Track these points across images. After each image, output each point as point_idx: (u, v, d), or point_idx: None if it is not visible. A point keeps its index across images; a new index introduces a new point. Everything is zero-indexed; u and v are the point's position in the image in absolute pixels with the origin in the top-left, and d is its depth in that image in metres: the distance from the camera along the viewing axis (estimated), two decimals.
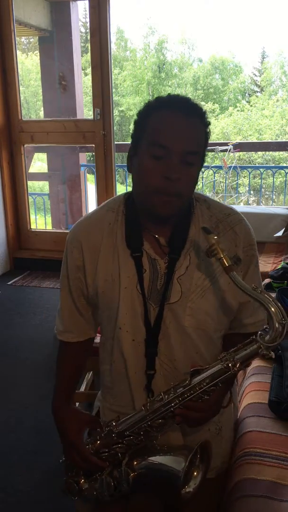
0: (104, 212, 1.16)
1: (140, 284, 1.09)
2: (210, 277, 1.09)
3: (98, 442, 1.11)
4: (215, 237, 0.98)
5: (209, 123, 1.08)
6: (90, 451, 1.12)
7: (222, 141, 13.30)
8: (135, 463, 1.07)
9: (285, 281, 2.66)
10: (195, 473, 1.06)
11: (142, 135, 1.05)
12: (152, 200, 1.04)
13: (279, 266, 2.94)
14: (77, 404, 2.01)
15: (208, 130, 1.07)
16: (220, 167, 6.96)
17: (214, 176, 7.72)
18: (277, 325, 0.95)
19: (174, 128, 1.01)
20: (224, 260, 0.96)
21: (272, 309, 0.95)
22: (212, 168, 7.30)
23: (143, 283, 1.09)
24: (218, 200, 1.21)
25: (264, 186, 10.89)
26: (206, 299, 1.09)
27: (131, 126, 1.14)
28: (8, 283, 4.44)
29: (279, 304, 0.96)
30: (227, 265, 0.97)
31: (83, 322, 1.23)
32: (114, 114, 4.56)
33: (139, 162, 1.05)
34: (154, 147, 1.01)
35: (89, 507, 1.24)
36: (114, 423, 1.09)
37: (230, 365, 0.98)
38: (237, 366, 0.97)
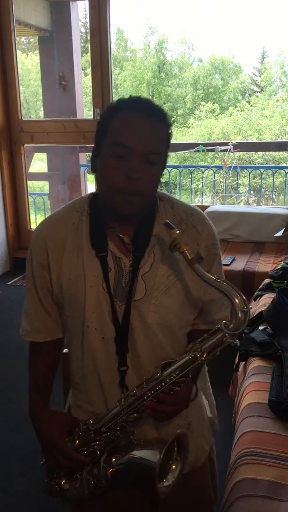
0: (68, 211, 1.19)
1: (106, 283, 1.11)
2: (174, 274, 1.11)
3: (77, 441, 1.13)
4: (177, 232, 1.01)
5: (170, 125, 1.10)
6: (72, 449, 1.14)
7: (222, 141, 13.34)
8: (114, 459, 1.08)
9: (285, 281, 2.67)
10: (173, 467, 1.07)
11: (105, 136, 1.07)
12: (115, 199, 1.06)
13: (279, 266, 2.94)
14: None
15: (170, 131, 1.10)
16: (220, 167, 6.96)
17: (214, 176, 7.72)
18: (240, 314, 0.99)
19: (137, 128, 1.04)
20: (187, 253, 1.00)
21: (235, 299, 0.99)
22: (212, 168, 7.30)
23: (109, 282, 1.11)
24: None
25: (264, 186, 10.90)
26: (170, 296, 1.11)
27: None
28: (8, 283, 4.44)
29: (241, 293, 1.00)
30: (189, 257, 1.00)
31: (50, 322, 1.24)
32: None
33: (102, 162, 1.07)
34: (117, 147, 1.04)
35: (70, 506, 1.26)
36: (91, 421, 1.12)
37: (198, 355, 1.02)
38: (204, 355, 1.01)
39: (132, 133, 1.03)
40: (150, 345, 1.12)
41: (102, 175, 1.08)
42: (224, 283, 1.00)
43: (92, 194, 1.20)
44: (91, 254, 1.12)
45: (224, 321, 1.01)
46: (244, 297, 1.00)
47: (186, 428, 1.20)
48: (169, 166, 9.13)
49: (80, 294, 1.12)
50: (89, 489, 1.10)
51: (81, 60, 6.13)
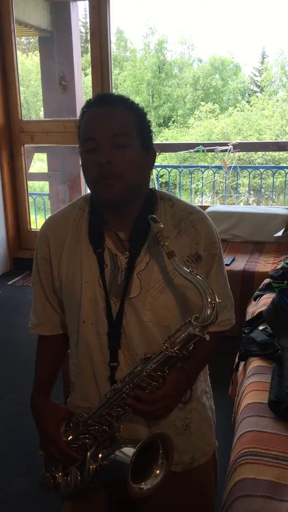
0: (70, 208, 1.22)
1: (102, 279, 1.13)
2: (171, 273, 1.11)
3: (70, 434, 1.14)
4: (161, 225, 1.05)
5: (137, 107, 1.13)
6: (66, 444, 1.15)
7: (222, 141, 13.33)
8: (100, 455, 1.09)
9: (285, 281, 2.67)
10: (156, 472, 1.07)
11: (79, 137, 1.13)
12: (96, 188, 1.10)
13: (279, 266, 2.94)
14: None
15: (139, 113, 1.12)
16: (220, 167, 6.97)
17: (214, 176, 7.72)
18: (208, 308, 1.01)
19: (94, 119, 1.09)
20: (166, 247, 1.03)
21: (206, 293, 1.01)
22: (212, 168, 7.31)
23: (105, 278, 1.13)
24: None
25: (264, 186, 10.89)
26: (166, 295, 1.12)
27: None
28: (8, 283, 4.45)
29: (211, 289, 1.02)
30: (167, 251, 1.03)
31: (56, 317, 1.26)
32: None
33: (81, 160, 1.13)
34: (85, 143, 1.09)
35: (71, 503, 1.26)
36: (85, 415, 1.13)
37: (170, 348, 1.03)
38: (175, 348, 1.02)
39: (92, 125, 1.09)
40: (146, 343, 1.12)
41: (83, 172, 1.13)
42: (198, 276, 1.02)
43: None
44: (88, 250, 1.15)
45: (194, 315, 1.03)
46: (212, 291, 1.02)
47: (183, 429, 1.19)
48: (169, 166, 9.14)
49: (77, 289, 1.14)
50: (76, 483, 1.11)
51: (81, 60, 6.13)
